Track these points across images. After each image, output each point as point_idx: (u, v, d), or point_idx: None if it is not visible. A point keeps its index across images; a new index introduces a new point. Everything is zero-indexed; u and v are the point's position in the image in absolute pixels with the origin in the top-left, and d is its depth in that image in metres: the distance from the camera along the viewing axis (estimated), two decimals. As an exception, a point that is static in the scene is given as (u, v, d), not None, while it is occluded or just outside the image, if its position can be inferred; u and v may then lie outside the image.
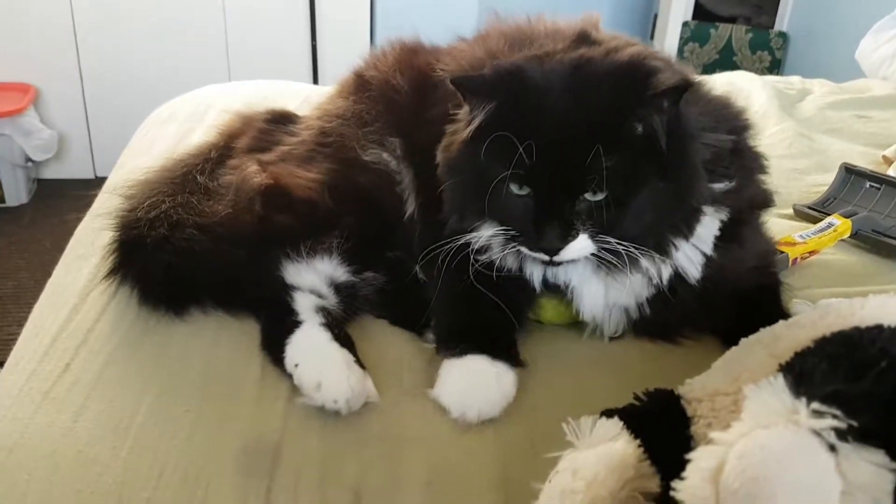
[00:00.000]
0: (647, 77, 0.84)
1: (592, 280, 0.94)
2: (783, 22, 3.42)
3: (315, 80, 2.94)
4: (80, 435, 0.83)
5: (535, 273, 0.96)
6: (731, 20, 3.51)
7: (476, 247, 0.93)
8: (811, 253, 1.15)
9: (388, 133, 1.10)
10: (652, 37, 3.49)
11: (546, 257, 0.88)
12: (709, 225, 0.94)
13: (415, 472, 0.81)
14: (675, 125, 0.84)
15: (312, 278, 0.99)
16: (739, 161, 0.96)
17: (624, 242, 0.86)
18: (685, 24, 3.44)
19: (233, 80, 2.77)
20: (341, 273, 1.01)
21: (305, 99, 1.55)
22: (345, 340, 0.94)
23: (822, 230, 1.18)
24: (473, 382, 0.90)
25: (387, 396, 0.90)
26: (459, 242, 0.93)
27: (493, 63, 0.92)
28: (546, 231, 0.85)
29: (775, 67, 3.35)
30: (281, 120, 1.22)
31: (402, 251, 1.08)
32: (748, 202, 0.99)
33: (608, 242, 0.86)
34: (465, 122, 0.91)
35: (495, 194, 0.88)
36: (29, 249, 2.54)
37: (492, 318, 0.95)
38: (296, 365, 0.90)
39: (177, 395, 0.88)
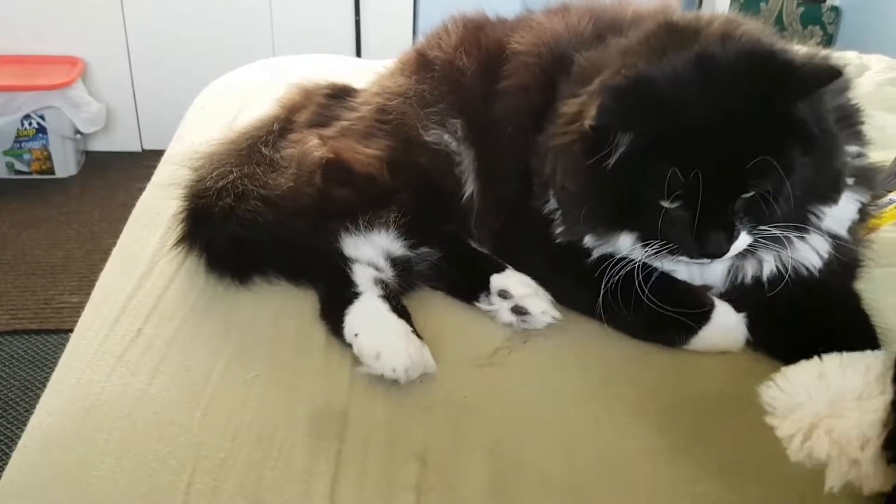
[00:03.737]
0: (787, 70, 0.83)
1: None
2: (835, -5, 3.34)
3: (358, 55, 2.94)
4: (155, 397, 0.86)
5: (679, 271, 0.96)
6: (782, -7, 3.43)
7: (638, 263, 0.92)
8: (871, 230, 1.14)
9: (450, 114, 1.11)
10: (699, 9, 3.42)
11: (708, 261, 0.89)
12: (845, 207, 0.93)
13: (477, 439, 0.83)
14: (816, 102, 0.84)
15: (370, 251, 1.01)
16: (859, 123, 0.95)
17: (779, 224, 0.87)
18: (734, -4, 3.37)
19: (277, 55, 2.79)
20: (398, 247, 1.02)
21: (354, 74, 1.56)
22: (402, 312, 0.96)
23: (882, 207, 1.16)
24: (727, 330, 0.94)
25: (446, 365, 0.92)
26: (626, 266, 0.92)
27: (616, 81, 0.88)
28: (710, 238, 0.85)
29: (827, 42, 3.27)
30: (340, 94, 1.23)
31: (458, 226, 1.10)
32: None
33: (766, 231, 0.87)
34: (588, 144, 0.87)
35: (644, 211, 0.87)
36: (78, 220, 2.60)
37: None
38: (355, 335, 0.92)
39: (247, 361, 0.91)
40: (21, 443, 0.84)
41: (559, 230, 0.98)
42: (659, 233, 0.88)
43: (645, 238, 0.90)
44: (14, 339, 2.03)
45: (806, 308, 0.94)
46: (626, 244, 0.93)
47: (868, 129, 1.33)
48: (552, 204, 0.99)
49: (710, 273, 0.96)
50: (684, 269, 0.96)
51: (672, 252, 0.89)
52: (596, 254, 0.96)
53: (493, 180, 1.10)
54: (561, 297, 1.01)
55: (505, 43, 1.12)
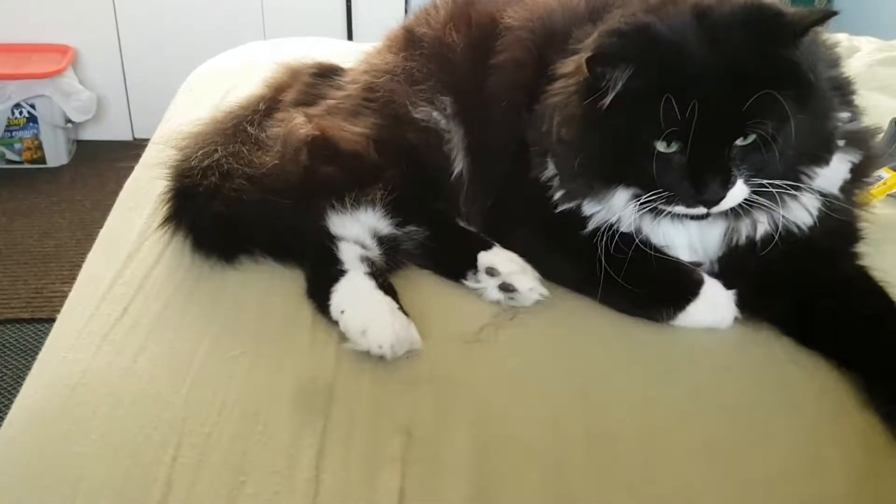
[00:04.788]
0: (780, 16, 0.85)
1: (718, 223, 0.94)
2: (827, -22, 3.33)
3: (349, 37, 2.93)
4: (140, 374, 0.86)
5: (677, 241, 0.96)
6: (773, -23, 3.42)
7: (625, 220, 0.92)
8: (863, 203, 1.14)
9: (439, 91, 1.10)
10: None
11: (704, 210, 0.88)
12: (837, 167, 0.93)
13: (463, 413, 0.83)
14: (811, 51, 0.86)
15: (356, 229, 1.01)
16: (851, 94, 0.96)
17: (775, 182, 0.87)
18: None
19: (268, 38, 2.78)
20: (384, 225, 1.02)
21: (345, 55, 1.55)
22: (388, 289, 0.96)
23: (870, 183, 1.16)
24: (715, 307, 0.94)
25: (433, 342, 0.91)
26: (614, 224, 0.92)
27: (615, 26, 0.89)
28: (707, 182, 0.85)
29: (818, 26, 3.27)
30: (327, 73, 1.23)
31: (446, 204, 1.09)
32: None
33: (760, 184, 0.87)
34: (585, 88, 0.89)
35: (639, 157, 0.87)
36: (69, 209, 2.59)
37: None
38: (342, 312, 0.92)
39: (233, 338, 0.90)
40: (7, 419, 0.84)
41: (558, 195, 0.97)
42: (655, 180, 0.87)
43: (641, 189, 0.89)
44: (5, 328, 2.03)
45: (805, 272, 0.94)
46: (620, 202, 0.92)
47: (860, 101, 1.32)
48: (550, 170, 0.98)
49: (709, 236, 0.95)
50: (683, 233, 0.95)
51: (669, 201, 0.88)
52: (592, 224, 0.95)
53: (485, 156, 1.09)
54: (550, 273, 1.00)
55: (497, 18, 1.11)
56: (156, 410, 0.81)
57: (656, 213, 0.91)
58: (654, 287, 0.94)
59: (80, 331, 0.93)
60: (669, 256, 0.95)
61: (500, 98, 1.05)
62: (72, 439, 0.78)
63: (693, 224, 0.93)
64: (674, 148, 0.85)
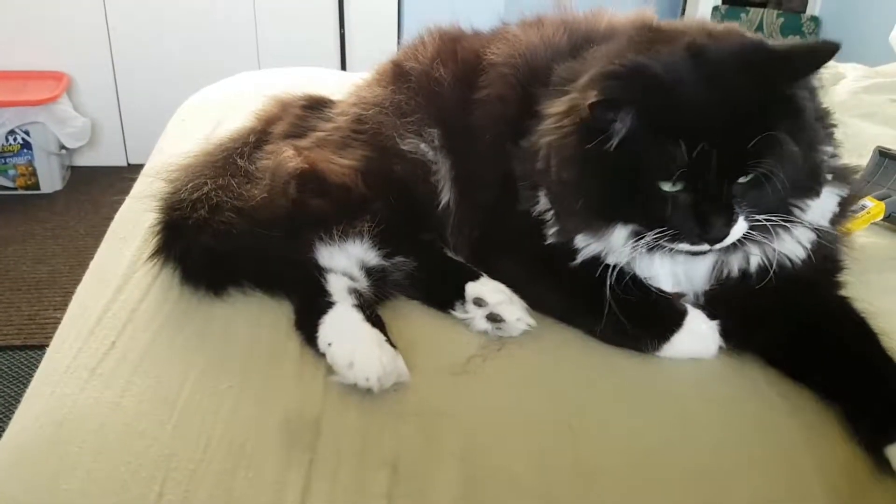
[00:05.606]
0: (786, 57, 0.87)
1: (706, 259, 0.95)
2: (815, 6, 3.38)
3: (343, 68, 2.96)
4: (127, 409, 0.86)
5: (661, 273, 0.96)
6: (762, 4, 3.46)
7: (619, 254, 0.92)
8: (845, 233, 1.15)
9: (426, 124, 1.12)
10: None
11: (707, 247, 0.89)
12: (826, 200, 0.95)
13: (450, 446, 0.83)
14: (811, 86, 0.89)
15: (344, 261, 1.01)
16: (831, 126, 0.96)
17: (771, 216, 0.88)
18: (715, 8, 3.40)
19: (262, 68, 2.80)
20: (372, 257, 1.03)
21: (337, 86, 1.57)
22: (376, 321, 0.96)
23: (856, 212, 1.18)
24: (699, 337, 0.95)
25: (421, 374, 0.92)
26: (603, 257, 0.93)
27: (610, 68, 0.89)
28: (712, 221, 0.85)
29: (806, 52, 3.30)
30: (317, 105, 1.24)
31: (433, 235, 1.10)
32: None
33: (757, 219, 0.88)
34: (585, 130, 0.88)
35: (643, 196, 0.87)
36: (63, 235, 2.60)
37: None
38: (329, 344, 0.93)
39: (220, 372, 0.91)
40: (-7, 455, 0.84)
41: (552, 231, 0.98)
42: (658, 218, 0.87)
43: (644, 227, 0.89)
44: (-2, 355, 2.02)
45: (791, 304, 0.95)
46: (619, 239, 0.92)
47: (842, 135, 1.35)
48: (542, 205, 0.99)
49: (695, 271, 0.96)
50: (668, 268, 0.96)
51: (673, 239, 0.88)
52: (582, 256, 0.96)
53: (472, 187, 1.10)
54: (536, 303, 1.01)
55: (481, 54, 1.13)
56: (142, 446, 0.81)
57: (652, 248, 0.91)
58: (639, 318, 0.94)
59: (69, 365, 0.93)
60: (652, 287, 0.96)
61: (485, 131, 1.07)
62: (59, 476, 0.78)
63: (681, 257, 0.94)
64: (678, 187, 0.85)
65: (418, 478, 0.79)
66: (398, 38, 2.95)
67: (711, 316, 0.95)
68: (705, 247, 0.89)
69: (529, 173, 0.99)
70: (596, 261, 0.94)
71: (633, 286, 0.94)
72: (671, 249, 0.91)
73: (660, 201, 0.86)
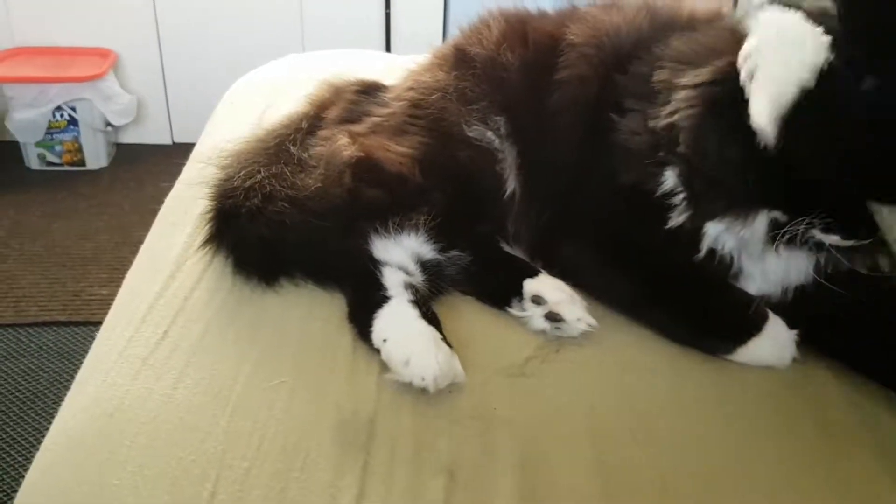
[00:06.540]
0: None
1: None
2: None
3: (388, 48, 2.92)
4: (180, 402, 0.84)
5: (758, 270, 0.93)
6: None
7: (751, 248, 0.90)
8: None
9: (492, 112, 1.08)
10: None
11: (857, 241, 0.83)
12: None
13: (508, 454, 0.80)
14: None
15: (400, 254, 0.99)
16: None
17: None
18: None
19: (307, 48, 2.78)
20: (428, 250, 1.00)
21: (386, 70, 1.54)
22: (432, 318, 0.94)
23: None
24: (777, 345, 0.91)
25: (476, 375, 0.89)
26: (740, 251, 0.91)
27: None
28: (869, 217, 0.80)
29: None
30: (370, 90, 1.21)
31: (492, 226, 1.07)
32: None
33: None
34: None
35: (816, 186, 0.81)
36: (108, 212, 2.61)
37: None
38: (384, 340, 0.90)
39: (273, 366, 0.89)
40: (44, 444, 0.83)
41: (681, 214, 0.91)
42: (821, 207, 0.81)
43: (793, 214, 0.83)
44: (43, 331, 2.04)
45: (878, 311, 0.90)
46: (760, 226, 0.86)
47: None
48: (670, 184, 0.92)
49: (795, 265, 0.91)
50: (772, 265, 0.92)
51: (826, 230, 0.82)
52: (707, 243, 0.91)
53: (541, 174, 1.07)
54: (603, 290, 0.99)
55: (557, 36, 1.09)
56: (195, 441, 0.79)
57: (791, 239, 0.85)
58: (717, 317, 0.91)
59: (121, 353, 0.92)
60: (735, 287, 0.92)
61: (565, 113, 1.04)
62: (109, 470, 0.76)
63: (786, 254, 0.90)
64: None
65: (476, 486, 0.76)
66: (444, 18, 2.90)
67: (791, 325, 0.91)
68: (853, 241, 0.83)
69: (652, 150, 0.92)
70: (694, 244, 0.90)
71: (714, 282, 0.91)
72: (807, 241, 0.85)
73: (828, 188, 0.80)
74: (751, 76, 0.81)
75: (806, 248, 0.87)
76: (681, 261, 0.93)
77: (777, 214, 0.85)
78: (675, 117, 0.88)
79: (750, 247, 0.90)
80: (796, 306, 0.93)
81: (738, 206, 0.87)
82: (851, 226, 0.82)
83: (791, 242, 0.85)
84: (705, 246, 0.92)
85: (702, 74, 0.88)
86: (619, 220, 0.97)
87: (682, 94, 0.88)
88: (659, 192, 0.92)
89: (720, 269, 0.93)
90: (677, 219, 0.92)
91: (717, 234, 0.91)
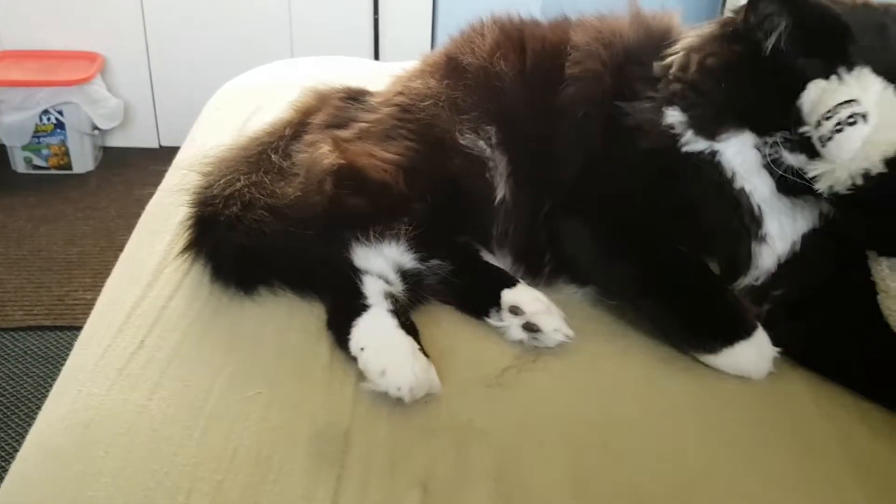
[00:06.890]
0: None
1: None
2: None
3: (376, 55, 2.92)
4: (154, 413, 0.84)
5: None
6: None
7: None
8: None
9: (484, 122, 1.08)
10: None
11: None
12: None
13: (483, 465, 0.80)
14: None
15: (380, 263, 0.99)
16: None
17: None
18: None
19: (295, 54, 2.78)
20: (408, 260, 1.00)
21: (374, 77, 1.54)
22: (410, 328, 0.94)
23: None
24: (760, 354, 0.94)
25: (453, 385, 0.89)
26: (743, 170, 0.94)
27: None
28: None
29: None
30: (357, 97, 1.20)
31: (475, 234, 1.07)
32: None
33: None
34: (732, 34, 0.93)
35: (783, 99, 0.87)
36: (94, 216, 2.60)
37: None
38: (361, 349, 0.90)
39: (248, 377, 0.89)
40: (20, 454, 0.82)
41: (687, 140, 0.95)
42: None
43: (774, 129, 0.89)
44: (28, 335, 2.03)
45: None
46: (749, 149, 0.92)
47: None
48: (672, 118, 0.96)
49: (801, 216, 0.95)
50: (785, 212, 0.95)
51: (792, 149, 0.88)
52: (727, 167, 0.94)
53: (544, 172, 1.07)
54: (603, 273, 1.02)
55: (561, 40, 1.10)
56: (168, 454, 0.79)
57: (775, 159, 0.90)
58: (712, 313, 0.94)
59: (97, 363, 0.91)
60: (730, 293, 0.95)
61: (576, 108, 1.04)
62: (84, 481, 0.76)
63: (789, 202, 0.93)
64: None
65: (450, 499, 0.76)
66: (433, 26, 2.90)
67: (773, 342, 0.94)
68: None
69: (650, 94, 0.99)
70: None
71: (715, 281, 0.95)
72: (782, 165, 0.89)
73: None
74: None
75: (801, 192, 0.91)
76: (714, 220, 0.96)
77: (753, 137, 0.91)
78: (681, 55, 0.98)
79: (765, 194, 0.93)
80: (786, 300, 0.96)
81: (723, 114, 0.92)
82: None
83: (788, 190, 0.91)
84: (727, 175, 0.95)
85: (703, 28, 0.98)
86: (636, 196, 0.99)
87: (685, 39, 0.99)
88: (664, 125, 0.97)
89: (751, 227, 0.95)
90: (686, 142, 0.96)
91: (731, 156, 0.94)
